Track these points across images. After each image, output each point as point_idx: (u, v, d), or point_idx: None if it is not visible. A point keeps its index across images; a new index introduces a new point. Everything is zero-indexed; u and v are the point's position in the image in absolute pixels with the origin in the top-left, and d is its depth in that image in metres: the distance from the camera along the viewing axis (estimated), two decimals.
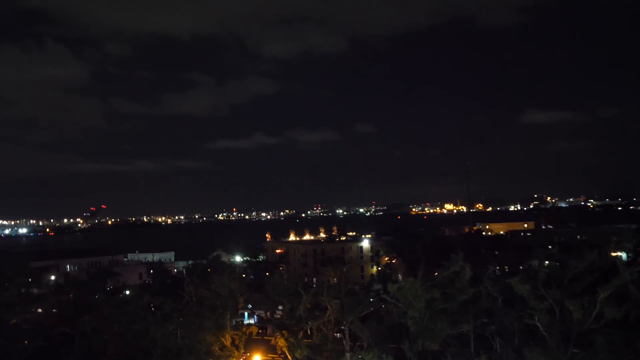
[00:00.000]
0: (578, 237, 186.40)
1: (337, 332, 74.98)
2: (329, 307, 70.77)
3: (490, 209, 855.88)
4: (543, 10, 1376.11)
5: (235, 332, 76.66)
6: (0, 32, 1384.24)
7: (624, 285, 57.20)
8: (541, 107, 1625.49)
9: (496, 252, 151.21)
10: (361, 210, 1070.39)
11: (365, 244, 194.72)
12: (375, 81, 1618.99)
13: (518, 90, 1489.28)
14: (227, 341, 74.04)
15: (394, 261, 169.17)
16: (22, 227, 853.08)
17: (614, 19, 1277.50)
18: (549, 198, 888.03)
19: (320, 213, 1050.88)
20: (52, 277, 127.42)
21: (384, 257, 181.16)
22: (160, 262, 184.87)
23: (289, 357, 70.54)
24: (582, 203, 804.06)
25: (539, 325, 58.30)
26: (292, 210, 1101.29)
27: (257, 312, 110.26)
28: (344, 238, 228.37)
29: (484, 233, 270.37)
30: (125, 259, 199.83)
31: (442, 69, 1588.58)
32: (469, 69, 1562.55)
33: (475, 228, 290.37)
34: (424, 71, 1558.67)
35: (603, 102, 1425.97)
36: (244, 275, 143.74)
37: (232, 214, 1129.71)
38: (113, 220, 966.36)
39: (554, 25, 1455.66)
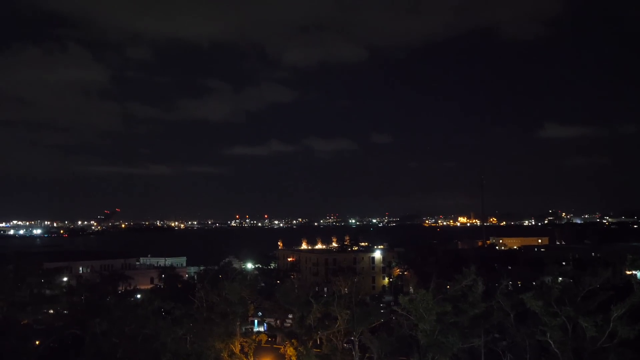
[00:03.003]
0: (593, 254, 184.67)
1: (346, 343, 74.69)
2: (339, 317, 70.58)
3: (504, 223, 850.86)
4: (565, 23, 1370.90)
5: (245, 340, 76.61)
6: (21, 33, 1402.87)
7: (639, 304, 56.56)
8: (559, 122, 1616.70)
9: (509, 267, 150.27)
10: (374, 220, 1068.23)
11: (377, 254, 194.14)
12: (392, 91, 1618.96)
13: (536, 104, 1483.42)
14: (236, 348, 73.99)
15: (405, 273, 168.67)
16: (36, 228, 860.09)
17: (637, 34, 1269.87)
18: (564, 214, 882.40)
19: (332, 222, 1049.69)
20: (65, 279, 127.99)
21: (395, 268, 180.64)
22: (172, 267, 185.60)
23: None
24: (598, 220, 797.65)
25: (551, 342, 57.77)
26: (305, 219, 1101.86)
27: (267, 320, 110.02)
28: (356, 248, 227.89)
29: (497, 247, 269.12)
30: (137, 263, 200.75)
31: (460, 81, 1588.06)
32: (488, 81, 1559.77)
33: (488, 242, 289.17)
34: (441, 83, 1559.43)
35: (623, 118, 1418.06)
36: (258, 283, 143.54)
37: (244, 221, 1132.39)
38: (126, 223, 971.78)
39: (575, 38, 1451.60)
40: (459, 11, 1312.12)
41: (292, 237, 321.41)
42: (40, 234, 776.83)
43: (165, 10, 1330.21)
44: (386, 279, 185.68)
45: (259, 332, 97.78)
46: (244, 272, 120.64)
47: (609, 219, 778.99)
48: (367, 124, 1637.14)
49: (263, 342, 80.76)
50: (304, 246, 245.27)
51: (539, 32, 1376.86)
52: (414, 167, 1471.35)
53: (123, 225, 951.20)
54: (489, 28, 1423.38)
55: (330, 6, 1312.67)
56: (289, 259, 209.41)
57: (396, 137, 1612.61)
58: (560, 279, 69.65)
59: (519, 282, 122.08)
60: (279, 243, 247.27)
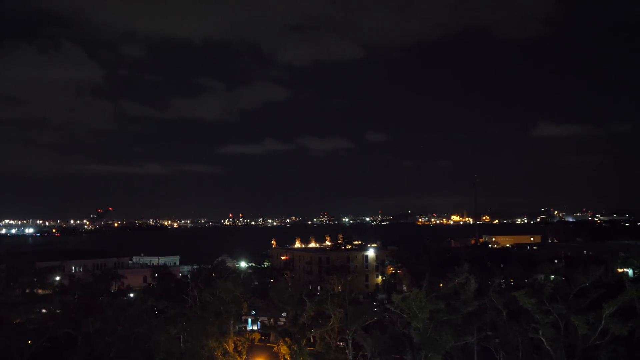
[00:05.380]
0: (584, 252, 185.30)
1: (340, 341, 74.75)
2: (332, 316, 70.67)
3: (497, 221, 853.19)
4: (559, 21, 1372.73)
5: (238, 338, 76.60)
6: (14, 31, 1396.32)
7: (630, 301, 56.89)
8: (554, 120, 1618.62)
9: (502, 265, 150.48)
10: (367, 219, 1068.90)
11: (371, 253, 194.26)
12: (387, 90, 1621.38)
13: (531, 103, 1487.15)
14: (230, 347, 73.96)
15: (399, 271, 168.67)
16: (28, 227, 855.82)
17: (632, 34, 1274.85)
18: (556, 212, 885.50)
19: (326, 221, 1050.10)
20: (57, 278, 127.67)
21: (389, 266, 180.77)
22: (165, 266, 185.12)
23: None
24: (590, 218, 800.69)
25: (544, 340, 58.01)
26: (299, 218, 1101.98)
27: (260, 319, 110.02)
28: (349, 247, 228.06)
29: (490, 245, 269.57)
30: (130, 262, 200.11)
31: (455, 79, 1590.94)
32: (482, 79, 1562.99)
33: (481, 240, 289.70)
34: (436, 81, 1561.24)
35: (617, 117, 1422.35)
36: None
37: (238, 220, 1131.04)
38: (119, 222, 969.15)
39: (569, 37, 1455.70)
40: (453, 10, 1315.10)
41: (285, 235, 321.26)
42: (33, 233, 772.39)
43: (159, 9, 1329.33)
44: (379, 278, 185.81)
45: (252, 330, 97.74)
46: (238, 271, 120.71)
47: (601, 217, 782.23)
48: (362, 122, 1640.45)
49: (256, 340, 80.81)
50: (297, 245, 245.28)
51: (533, 30, 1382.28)
52: (408, 166, 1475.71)
53: (116, 224, 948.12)
54: (483, 27, 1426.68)
55: (325, 5, 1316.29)
56: (282, 258, 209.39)
57: (391, 135, 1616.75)
58: (553, 276, 69.95)
59: (511, 280, 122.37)
60: (272, 242, 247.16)
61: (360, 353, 70.59)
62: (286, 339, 72.29)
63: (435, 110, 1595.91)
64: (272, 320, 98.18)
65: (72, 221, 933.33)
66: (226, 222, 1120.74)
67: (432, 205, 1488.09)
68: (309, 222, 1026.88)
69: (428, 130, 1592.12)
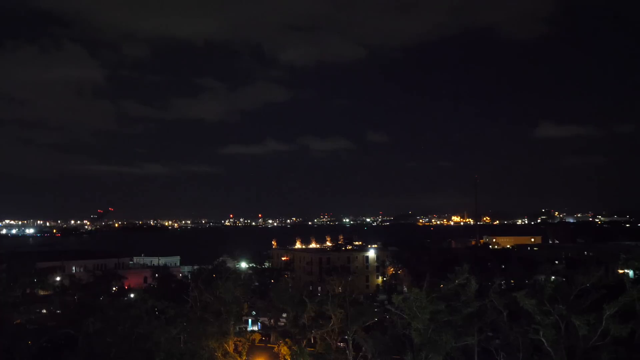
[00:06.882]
0: (585, 253, 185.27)
1: (340, 342, 74.75)
2: (333, 316, 70.65)
3: (497, 222, 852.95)
4: (560, 22, 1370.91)
5: (239, 339, 76.59)
6: (16, 32, 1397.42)
7: (631, 302, 56.89)
8: (555, 121, 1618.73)
9: (502, 266, 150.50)
10: (368, 219, 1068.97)
11: (371, 253, 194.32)
12: (388, 91, 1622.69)
13: (532, 103, 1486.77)
14: (230, 347, 73.94)
15: (399, 272, 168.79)
16: (29, 227, 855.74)
17: (634, 35, 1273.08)
18: (556, 213, 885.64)
19: (327, 221, 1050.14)
20: (58, 278, 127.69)
21: (389, 267, 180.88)
22: (165, 266, 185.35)
23: None
24: (590, 219, 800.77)
25: (544, 341, 57.94)
26: (299, 218, 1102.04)
27: (260, 319, 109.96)
28: (350, 247, 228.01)
29: (490, 246, 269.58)
30: (130, 262, 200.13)
31: (456, 80, 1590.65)
32: (483, 80, 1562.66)
33: (482, 241, 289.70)
34: (437, 82, 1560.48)
35: (618, 118, 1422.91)
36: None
37: (238, 220, 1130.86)
38: (120, 223, 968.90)
39: (571, 38, 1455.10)
40: (454, 10, 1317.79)
41: (286, 236, 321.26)
42: (33, 233, 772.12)
43: (160, 9, 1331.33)
44: (380, 278, 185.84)
45: (252, 331, 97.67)
46: (238, 272, 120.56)
47: (602, 218, 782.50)
48: (363, 123, 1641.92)
49: (257, 341, 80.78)
50: (298, 245, 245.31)
51: (534, 31, 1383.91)
52: (409, 166, 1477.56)
53: (116, 225, 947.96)
54: (484, 27, 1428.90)
55: (326, 5, 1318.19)
56: (282, 258, 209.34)
57: (392, 136, 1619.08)
58: (553, 277, 69.94)
59: (512, 281, 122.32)
60: (273, 242, 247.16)
61: (361, 354, 70.54)
62: (286, 339, 72.30)
63: (436, 111, 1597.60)
64: (272, 320, 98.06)
65: (72, 221, 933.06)
66: (227, 223, 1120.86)
67: (432, 206, 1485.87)
68: (310, 223, 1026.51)
69: (429, 130, 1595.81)
